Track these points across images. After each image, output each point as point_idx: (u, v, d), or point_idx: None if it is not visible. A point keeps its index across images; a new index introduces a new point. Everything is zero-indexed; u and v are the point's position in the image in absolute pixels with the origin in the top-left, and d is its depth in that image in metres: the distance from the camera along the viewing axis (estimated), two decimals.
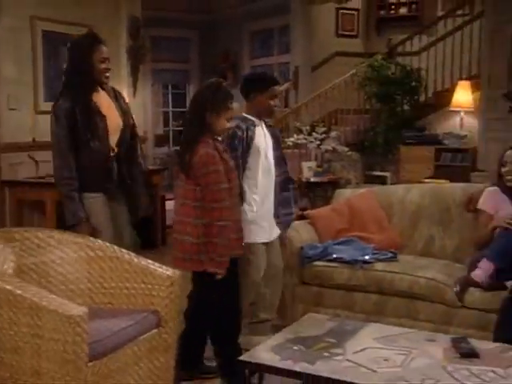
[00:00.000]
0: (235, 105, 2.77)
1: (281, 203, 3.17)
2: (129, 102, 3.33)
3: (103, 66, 2.94)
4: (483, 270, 3.03)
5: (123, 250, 2.60)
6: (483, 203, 3.32)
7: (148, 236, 5.37)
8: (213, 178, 2.60)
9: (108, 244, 2.63)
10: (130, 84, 6.57)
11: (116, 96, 3.08)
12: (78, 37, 3.06)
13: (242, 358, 2.30)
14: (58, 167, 2.91)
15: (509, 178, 3.21)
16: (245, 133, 2.92)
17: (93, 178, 2.88)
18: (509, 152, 3.24)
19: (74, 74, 2.93)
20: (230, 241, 2.66)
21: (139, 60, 6.66)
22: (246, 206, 2.93)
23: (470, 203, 3.47)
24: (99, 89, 2.97)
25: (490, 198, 3.31)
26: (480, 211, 3.32)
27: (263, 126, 3.08)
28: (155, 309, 2.45)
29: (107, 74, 2.98)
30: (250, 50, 9.83)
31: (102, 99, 2.97)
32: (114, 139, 2.97)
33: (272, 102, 3.01)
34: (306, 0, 8.49)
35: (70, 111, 2.85)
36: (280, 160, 3.17)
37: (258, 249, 3.00)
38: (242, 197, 2.87)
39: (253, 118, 3.02)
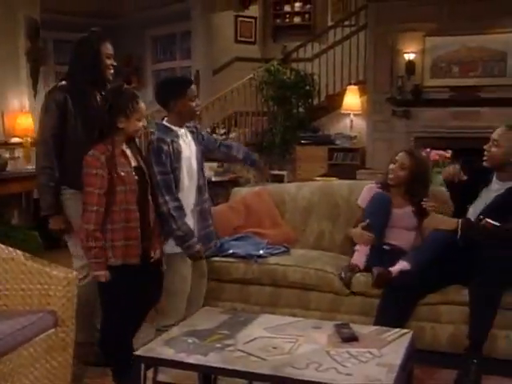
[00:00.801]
0: (143, 104, 2.71)
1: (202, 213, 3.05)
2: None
3: (109, 62, 2.95)
4: (359, 253, 3.25)
5: (18, 252, 2.56)
6: (360, 200, 3.52)
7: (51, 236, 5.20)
8: (87, 180, 2.60)
9: (2, 246, 2.57)
10: (30, 86, 6.39)
11: None
12: (85, 34, 3.00)
13: (137, 352, 2.30)
14: (38, 156, 2.91)
15: (390, 176, 3.36)
16: (170, 146, 2.81)
17: (79, 175, 2.75)
18: (401, 153, 3.37)
19: (82, 70, 2.90)
20: (115, 247, 2.62)
21: (39, 62, 6.49)
22: None
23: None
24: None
25: (366, 195, 3.49)
26: (360, 207, 3.51)
27: (187, 133, 2.97)
28: (52, 309, 2.43)
29: (112, 71, 2.99)
30: (153, 55, 9.85)
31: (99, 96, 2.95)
32: None
33: (193, 104, 2.89)
34: (206, 7, 8.63)
35: (62, 103, 2.84)
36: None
37: (177, 259, 2.93)
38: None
39: (175, 128, 2.89)
